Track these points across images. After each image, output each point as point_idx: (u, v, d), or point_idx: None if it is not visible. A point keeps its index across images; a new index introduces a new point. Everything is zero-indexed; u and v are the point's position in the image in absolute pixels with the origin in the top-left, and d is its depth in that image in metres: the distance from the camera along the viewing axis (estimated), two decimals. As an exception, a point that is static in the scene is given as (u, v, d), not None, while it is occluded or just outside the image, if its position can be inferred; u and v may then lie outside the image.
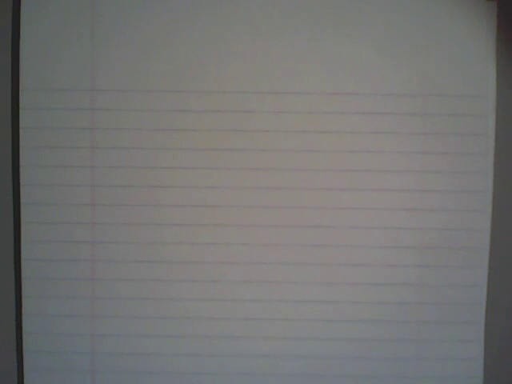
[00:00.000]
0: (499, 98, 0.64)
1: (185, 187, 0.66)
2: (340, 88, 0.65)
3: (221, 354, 0.67)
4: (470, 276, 0.66)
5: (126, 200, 0.66)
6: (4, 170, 0.65)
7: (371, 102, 0.65)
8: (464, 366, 0.67)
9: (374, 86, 0.65)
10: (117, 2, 0.65)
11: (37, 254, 0.66)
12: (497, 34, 0.64)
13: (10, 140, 0.65)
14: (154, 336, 0.67)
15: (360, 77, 0.65)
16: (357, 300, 0.66)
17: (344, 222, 0.66)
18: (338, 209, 0.65)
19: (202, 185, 0.66)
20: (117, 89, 0.65)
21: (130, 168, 0.66)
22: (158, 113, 0.65)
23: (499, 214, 0.65)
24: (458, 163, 0.65)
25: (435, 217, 0.65)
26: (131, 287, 0.67)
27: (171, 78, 0.65)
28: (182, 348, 0.67)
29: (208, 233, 0.66)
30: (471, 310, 0.66)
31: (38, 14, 0.65)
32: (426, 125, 0.65)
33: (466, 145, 0.65)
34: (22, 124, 0.65)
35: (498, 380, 0.66)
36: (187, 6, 0.65)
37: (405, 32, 0.64)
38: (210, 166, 0.65)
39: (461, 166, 0.65)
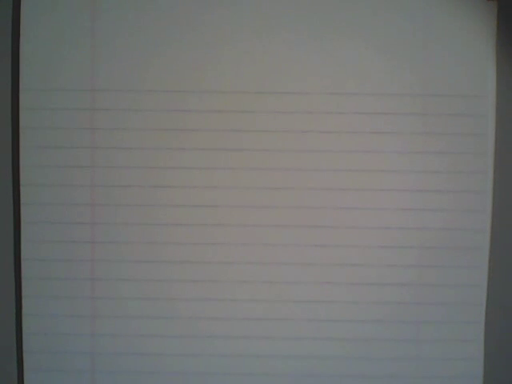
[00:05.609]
0: (499, 98, 0.64)
1: (185, 187, 0.66)
2: (340, 88, 0.65)
3: (221, 354, 0.67)
4: (470, 276, 0.66)
5: (126, 200, 0.66)
6: (4, 170, 0.65)
7: (371, 102, 0.65)
8: (464, 365, 0.67)
9: (374, 86, 0.65)
10: (117, 2, 0.65)
11: (37, 254, 0.66)
12: (497, 34, 0.64)
13: (10, 140, 0.65)
14: (154, 336, 0.67)
15: (360, 77, 0.65)
16: (357, 300, 0.66)
17: (344, 222, 0.66)
18: (338, 209, 0.65)
19: (202, 185, 0.66)
20: (117, 89, 0.65)
21: (130, 168, 0.66)
22: (158, 113, 0.65)
23: (499, 214, 0.65)
24: (458, 163, 0.65)
25: (435, 217, 0.65)
26: (131, 287, 0.67)
27: (171, 78, 0.65)
28: (182, 348, 0.67)
29: (208, 233, 0.66)
30: (471, 310, 0.66)
31: (38, 14, 0.65)
32: (426, 125, 0.65)
33: (466, 145, 0.65)
34: (22, 124, 0.65)
35: (498, 380, 0.66)
36: (187, 6, 0.65)
37: (405, 32, 0.64)
38: (210, 166, 0.65)
39: (461, 166, 0.65)
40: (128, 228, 0.66)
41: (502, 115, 0.64)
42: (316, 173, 0.65)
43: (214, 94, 0.65)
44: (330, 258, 0.66)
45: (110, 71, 0.65)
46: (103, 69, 0.65)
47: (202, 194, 0.66)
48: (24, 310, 0.67)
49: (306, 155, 0.65)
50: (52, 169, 0.66)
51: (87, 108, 0.65)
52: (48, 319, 0.67)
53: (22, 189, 0.66)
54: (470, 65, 0.65)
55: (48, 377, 0.68)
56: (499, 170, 0.65)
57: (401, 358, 0.67)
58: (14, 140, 0.65)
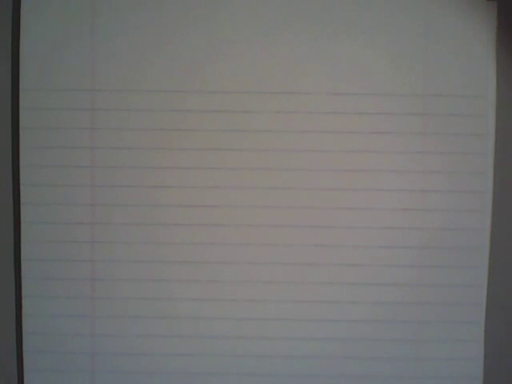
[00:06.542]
0: (499, 98, 0.64)
1: (185, 187, 0.66)
2: (340, 88, 0.65)
3: (221, 354, 0.67)
4: (470, 276, 0.66)
5: (126, 200, 0.66)
6: (4, 170, 0.65)
7: (371, 101, 0.65)
8: (464, 365, 0.67)
9: (374, 86, 0.65)
10: (117, 2, 0.65)
11: (37, 254, 0.66)
12: (497, 33, 0.64)
13: (10, 140, 0.65)
14: (154, 336, 0.67)
15: (360, 77, 0.65)
16: (357, 300, 0.66)
17: (344, 221, 0.66)
18: (338, 209, 0.65)
19: (202, 185, 0.66)
20: (117, 89, 0.65)
21: (130, 168, 0.66)
22: (158, 113, 0.65)
23: (499, 214, 0.65)
24: (458, 163, 0.65)
25: (435, 217, 0.65)
26: (131, 287, 0.67)
27: (171, 78, 0.65)
28: (182, 348, 0.67)
29: (208, 233, 0.66)
30: (471, 310, 0.66)
31: (38, 14, 0.65)
32: (426, 125, 0.65)
33: (466, 145, 0.65)
34: (22, 124, 0.65)
35: (498, 380, 0.66)
36: (187, 6, 0.65)
37: (405, 32, 0.64)
38: (210, 166, 0.65)
39: (461, 166, 0.65)
40: (128, 228, 0.66)
41: (502, 115, 0.64)
42: (316, 173, 0.65)
43: (214, 94, 0.65)
44: (330, 258, 0.66)
45: (109, 71, 0.65)
46: (103, 69, 0.65)
47: (201, 194, 0.66)
48: (24, 310, 0.67)
49: (306, 155, 0.65)
50: (52, 169, 0.66)
51: (87, 108, 0.65)
52: (48, 319, 0.67)
53: (21, 189, 0.66)
54: (470, 65, 0.64)
55: (48, 377, 0.68)
56: (499, 170, 0.65)
57: (401, 358, 0.67)
58: (14, 140, 0.65)
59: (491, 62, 0.65)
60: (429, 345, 0.67)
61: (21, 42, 0.65)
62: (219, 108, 0.65)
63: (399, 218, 0.66)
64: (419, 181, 0.65)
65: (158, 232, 0.66)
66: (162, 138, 0.65)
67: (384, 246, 0.66)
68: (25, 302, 0.67)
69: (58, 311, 0.67)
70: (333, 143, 0.65)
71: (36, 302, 0.67)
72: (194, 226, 0.66)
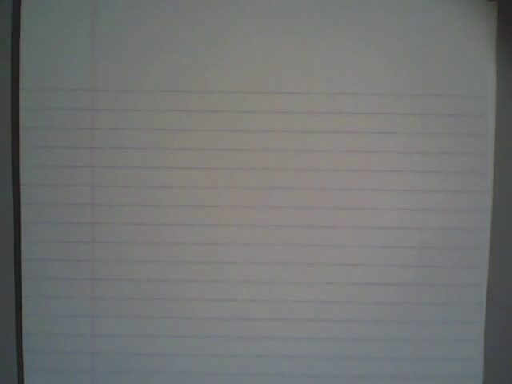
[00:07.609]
0: (499, 98, 0.64)
1: (185, 187, 0.66)
2: (340, 88, 0.65)
3: (221, 354, 0.67)
4: (470, 276, 0.66)
5: (126, 200, 0.66)
6: (4, 170, 0.65)
7: (371, 101, 0.65)
8: (464, 365, 0.67)
9: (374, 86, 0.65)
10: (117, 2, 0.65)
11: (37, 254, 0.66)
12: (497, 33, 0.64)
13: (10, 140, 0.65)
14: (154, 336, 0.67)
15: (360, 77, 0.65)
16: (357, 300, 0.66)
17: (344, 221, 0.66)
18: (338, 209, 0.65)
19: (202, 185, 0.66)
20: (117, 89, 0.65)
21: (129, 168, 0.66)
22: (158, 113, 0.65)
23: (499, 214, 0.65)
24: (458, 163, 0.65)
25: (435, 217, 0.65)
26: (131, 287, 0.67)
27: (171, 78, 0.65)
28: (182, 348, 0.67)
29: (208, 233, 0.66)
30: (471, 310, 0.66)
31: (38, 14, 0.65)
32: (426, 125, 0.65)
33: (466, 145, 0.65)
34: (22, 124, 0.65)
35: (498, 380, 0.66)
36: (187, 6, 0.65)
37: (405, 32, 0.64)
38: (210, 166, 0.65)
39: (461, 166, 0.65)
40: (128, 228, 0.66)
41: (502, 115, 0.64)
42: (316, 173, 0.65)
43: (214, 94, 0.65)
44: (329, 258, 0.66)
45: (109, 71, 0.65)
46: (103, 69, 0.65)
47: (202, 194, 0.66)
48: (24, 310, 0.67)
49: (306, 155, 0.65)
50: (52, 169, 0.66)
51: (87, 108, 0.65)
52: (48, 319, 0.67)
53: (21, 189, 0.66)
54: (470, 65, 0.65)
55: (48, 377, 0.68)
56: (499, 170, 0.65)
57: (401, 358, 0.67)
58: (14, 140, 0.65)
59: (491, 62, 0.65)
60: (429, 345, 0.67)
61: (21, 42, 0.65)
62: (219, 108, 0.65)
63: (399, 217, 0.66)
64: (419, 181, 0.65)
65: (158, 232, 0.66)
66: (162, 138, 0.65)
67: (384, 246, 0.66)
68: (25, 302, 0.67)
69: (57, 311, 0.67)
70: (333, 143, 0.65)
71: (36, 302, 0.67)
72: (194, 226, 0.66)
